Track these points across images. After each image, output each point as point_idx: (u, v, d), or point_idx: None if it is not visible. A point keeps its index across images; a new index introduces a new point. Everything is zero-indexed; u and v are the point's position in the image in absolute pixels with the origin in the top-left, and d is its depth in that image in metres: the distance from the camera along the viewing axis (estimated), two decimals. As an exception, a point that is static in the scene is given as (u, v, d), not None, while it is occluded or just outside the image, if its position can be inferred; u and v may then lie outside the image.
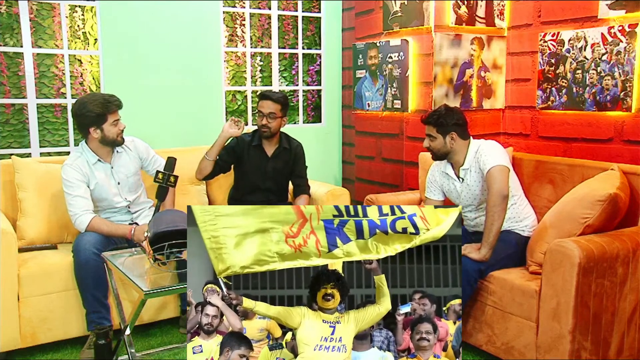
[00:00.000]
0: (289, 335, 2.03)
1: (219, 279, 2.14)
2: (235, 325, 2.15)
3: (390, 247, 1.82)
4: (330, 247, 1.76)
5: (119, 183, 2.96)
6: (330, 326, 1.84)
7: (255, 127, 3.34)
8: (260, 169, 3.30)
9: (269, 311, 1.85)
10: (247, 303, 1.85)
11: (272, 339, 2.31)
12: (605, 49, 3.00)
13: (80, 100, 2.84)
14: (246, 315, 2.32)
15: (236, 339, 1.88)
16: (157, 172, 2.86)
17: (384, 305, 1.92)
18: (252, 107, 4.43)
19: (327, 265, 1.95)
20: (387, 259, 1.84)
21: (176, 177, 2.89)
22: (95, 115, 2.79)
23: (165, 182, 2.84)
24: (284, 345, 2.03)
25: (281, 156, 3.34)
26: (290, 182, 3.46)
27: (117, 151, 2.97)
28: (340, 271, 2.05)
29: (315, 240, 1.75)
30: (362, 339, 1.97)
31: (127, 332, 2.51)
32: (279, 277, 2.96)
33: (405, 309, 2.24)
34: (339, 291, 1.88)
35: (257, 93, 3.25)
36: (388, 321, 2.23)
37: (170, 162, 2.91)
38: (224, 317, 2.18)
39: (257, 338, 2.29)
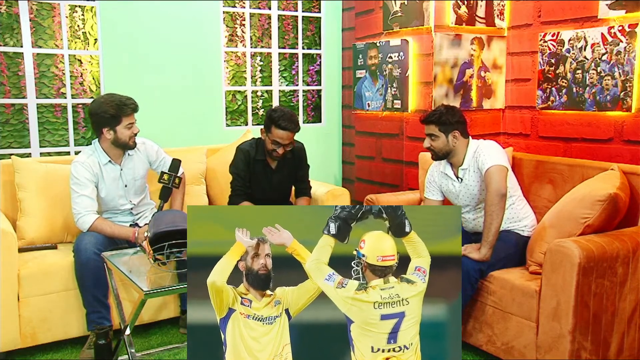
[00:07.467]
0: None
1: None
2: None
3: None
4: None
5: (125, 185, 2.96)
6: None
7: (254, 136, 3.27)
8: (265, 182, 3.19)
9: None
10: None
11: None
12: (605, 49, 3.00)
13: (97, 100, 2.85)
14: None
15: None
16: (162, 172, 2.83)
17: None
18: (252, 107, 4.43)
19: None
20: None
21: (180, 179, 2.88)
22: (109, 117, 2.78)
23: (170, 183, 2.82)
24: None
25: (285, 166, 3.23)
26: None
27: (129, 154, 2.96)
28: None
29: None
30: None
31: (127, 332, 2.51)
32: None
33: None
34: None
35: (266, 115, 3.06)
36: None
37: (175, 164, 2.89)
38: None
39: None
